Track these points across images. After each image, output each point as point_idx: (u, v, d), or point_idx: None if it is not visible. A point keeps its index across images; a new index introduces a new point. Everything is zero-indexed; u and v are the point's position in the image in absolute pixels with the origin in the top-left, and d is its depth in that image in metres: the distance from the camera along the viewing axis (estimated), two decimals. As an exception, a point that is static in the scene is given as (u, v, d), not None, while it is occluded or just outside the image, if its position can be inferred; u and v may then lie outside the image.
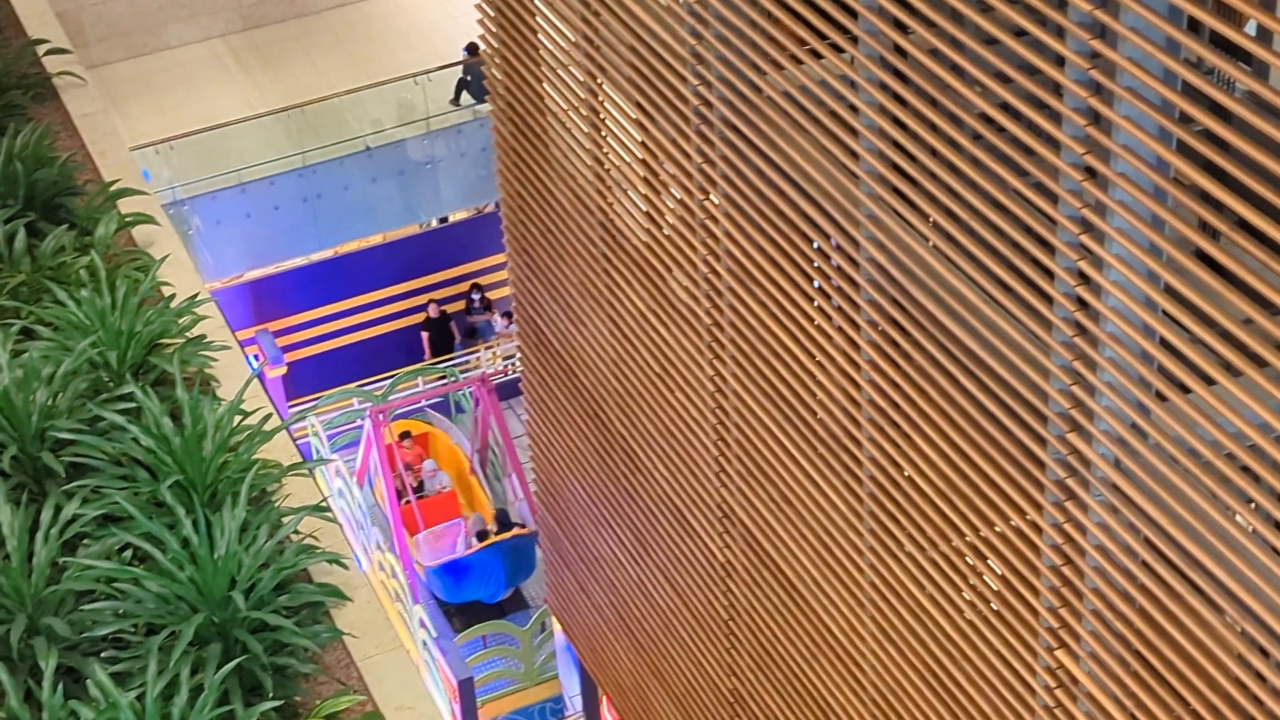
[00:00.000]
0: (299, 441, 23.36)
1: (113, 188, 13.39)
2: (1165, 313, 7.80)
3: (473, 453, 26.13)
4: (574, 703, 23.98)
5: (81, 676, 9.06)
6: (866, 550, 11.07)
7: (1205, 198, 7.38)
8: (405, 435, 26.08)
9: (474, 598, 24.44)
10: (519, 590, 25.08)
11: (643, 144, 12.73)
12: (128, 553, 9.68)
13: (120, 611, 9.21)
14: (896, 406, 10.15)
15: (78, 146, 14.52)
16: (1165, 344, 7.85)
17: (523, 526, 24.36)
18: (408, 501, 25.14)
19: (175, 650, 8.81)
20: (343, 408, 27.38)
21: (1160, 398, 8.08)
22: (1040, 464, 8.97)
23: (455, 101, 28.75)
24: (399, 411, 26.39)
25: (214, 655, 8.90)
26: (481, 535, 24.18)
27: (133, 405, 10.57)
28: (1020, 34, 7.97)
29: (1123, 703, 8.95)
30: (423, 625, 22.82)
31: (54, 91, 15.27)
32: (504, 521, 24.45)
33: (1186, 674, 8.33)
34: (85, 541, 9.77)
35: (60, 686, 8.77)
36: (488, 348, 29.28)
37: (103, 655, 9.11)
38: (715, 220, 11.76)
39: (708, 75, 11.20)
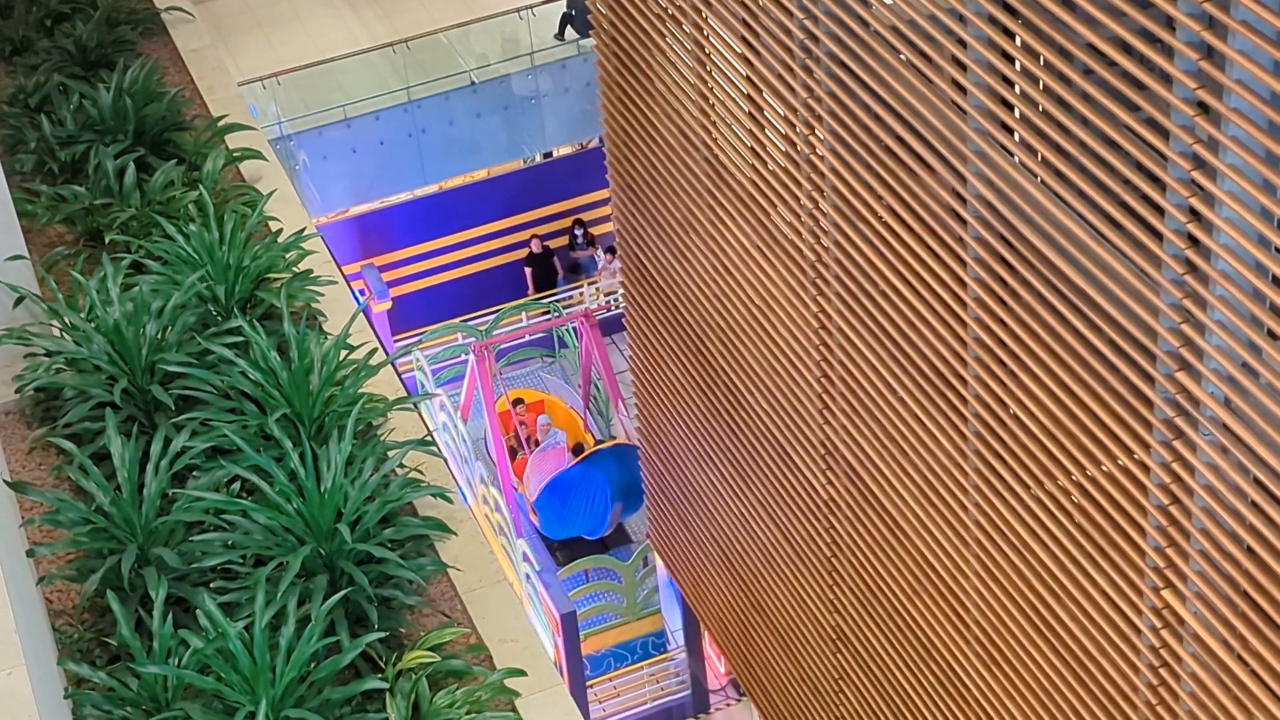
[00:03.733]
0: (404, 376, 23.51)
1: (220, 123, 13.49)
2: (1278, 249, 7.67)
3: (576, 387, 26.23)
4: (676, 637, 24.08)
5: (191, 606, 9.19)
6: (971, 488, 11.01)
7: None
8: (519, 402, 25.96)
9: (578, 530, 24.46)
10: (622, 526, 25.14)
11: (748, 79, 12.65)
12: (236, 485, 9.80)
13: (229, 543, 9.33)
14: (1003, 344, 10.07)
15: (186, 82, 14.62)
16: (1278, 281, 7.73)
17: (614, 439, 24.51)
18: (524, 456, 25.18)
19: (282, 581, 8.91)
20: (447, 342, 27.51)
21: (1272, 336, 7.96)
22: (1148, 403, 8.87)
23: (560, 36, 28.65)
24: (505, 346, 26.31)
25: (320, 587, 9.00)
26: (578, 450, 24.26)
27: (240, 339, 10.67)
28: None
29: (1229, 643, 8.87)
30: (526, 559, 22.95)
31: (163, 27, 15.38)
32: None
33: (1295, 616, 8.25)
34: (194, 473, 9.90)
35: (170, 616, 8.90)
36: (590, 283, 29.30)
37: (211, 585, 9.23)
38: (820, 156, 11.68)
39: (814, 9, 11.10)
